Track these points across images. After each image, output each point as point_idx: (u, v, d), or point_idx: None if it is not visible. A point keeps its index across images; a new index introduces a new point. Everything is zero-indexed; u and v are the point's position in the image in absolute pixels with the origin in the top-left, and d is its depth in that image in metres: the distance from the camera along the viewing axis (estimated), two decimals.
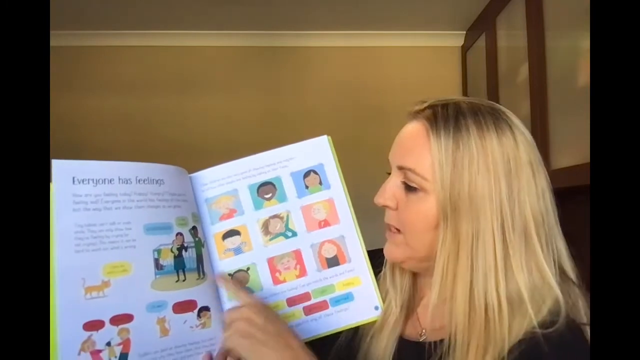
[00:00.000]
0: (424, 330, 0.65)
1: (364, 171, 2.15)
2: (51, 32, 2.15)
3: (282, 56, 2.46)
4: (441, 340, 0.59)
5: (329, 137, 0.73)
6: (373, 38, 2.47)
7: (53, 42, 2.18)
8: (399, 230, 0.64)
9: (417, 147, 0.61)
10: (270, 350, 0.57)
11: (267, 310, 0.62)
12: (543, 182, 0.60)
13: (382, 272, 0.70)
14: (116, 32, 2.39)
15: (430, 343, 0.61)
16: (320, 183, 0.72)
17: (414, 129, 0.63)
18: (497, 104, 0.63)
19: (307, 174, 0.72)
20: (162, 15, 2.24)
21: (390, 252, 0.66)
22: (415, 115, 0.64)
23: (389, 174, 0.66)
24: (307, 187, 0.72)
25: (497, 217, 0.57)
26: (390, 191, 0.64)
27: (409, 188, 0.62)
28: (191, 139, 2.34)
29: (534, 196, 0.58)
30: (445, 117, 0.60)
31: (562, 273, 0.59)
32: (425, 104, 0.63)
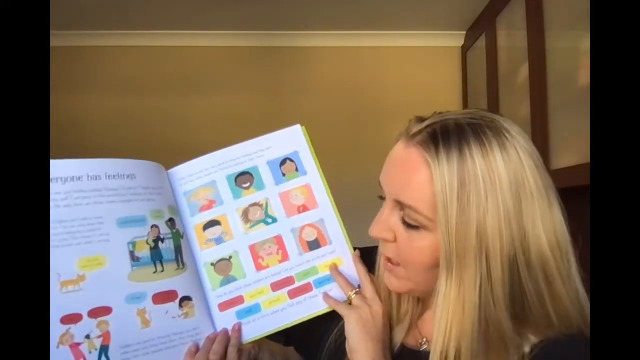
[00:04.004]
0: (424, 339, 0.63)
1: (363, 171, 2.16)
2: (51, 32, 2.15)
3: (282, 56, 2.46)
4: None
5: (303, 126, 0.75)
6: (373, 38, 2.47)
7: (53, 42, 2.19)
8: (398, 263, 0.59)
9: (417, 182, 0.53)
10: (372, 348, 0.60)
11: (385, 316, 0.64)
12: (557, 209, 0.53)
13: (376, 274, 0.68)
14: (116, 32, 2.39)
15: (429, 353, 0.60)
16: (297, 170, 0.73)
17: (411, 157, 0.55)
18: (499, 117, 0.56)
19: (283, 162, 0.73)
20: (162, 15, 2.24)
21: (393, 284, 0.61)
22: (412, 138, 0.56)
23: (381, 197, 0.60)
24: (283, 174, 0.73)
25: (507, 260, 0.50)
26: (386, 223, 0.58)
27: (409, 225, 0.55)
28: (191, 139, 2.33)
29: (550, 228, 0.52)
30: (447, 144, 0.52)
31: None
32: (423, 125, 0.56)
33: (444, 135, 0.53)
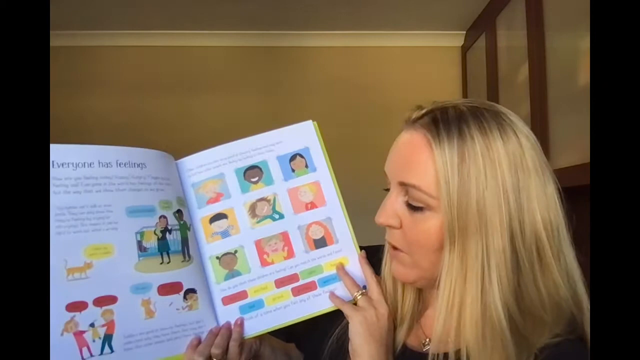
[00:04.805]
0: (427, 340, 0.63)
1: (364, 171, 2.16)
2: (51, 32, 2.15)
3: (282, 56, 2.46)
4: (446, 354, 0.56)
5: (315, 122, 0.75)
6: (373, 38, 2.47)
7: (53, 42, 2.18)
8: (403, 250, 0.60)
9: (420, 161, 0.56)
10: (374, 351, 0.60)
11: (390, 319, 0.64)
12: (552, 188, 0.56)
13: (382, 274, 0.68)
14: (116, 32, 2.39)
15: (434, 355, 0.59)
16: (307, 166, 0.73)
17: (413, 140, 0.57)
18: (497, 104, 0.59)
19: (293, 158, 0.73)
20: (162, 15, 2.24)
21: (400, 273, 0.62)
22: (413, 123, 0.58)
23: (387, 190, 0.62)
24: (293, 170, 0.73)
25: (507, 232, 0.52)
26: (392, 209, 0.59)
27: (414, 207, 0.57)
28: (191, 139, 2.32)
29: (544, 205, 0.54)
30: (447, 125, 0.55)
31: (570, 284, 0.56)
32: (423, 111, 0.58)
33: (444, 118, 0.56)
